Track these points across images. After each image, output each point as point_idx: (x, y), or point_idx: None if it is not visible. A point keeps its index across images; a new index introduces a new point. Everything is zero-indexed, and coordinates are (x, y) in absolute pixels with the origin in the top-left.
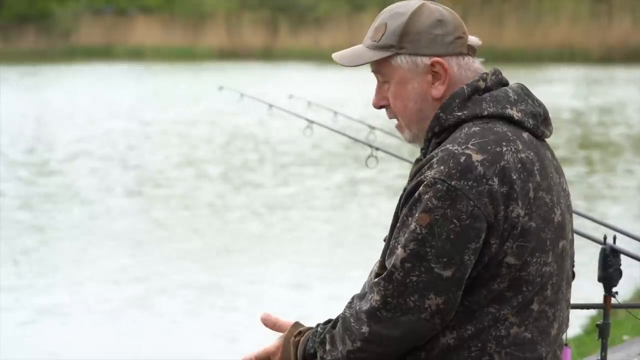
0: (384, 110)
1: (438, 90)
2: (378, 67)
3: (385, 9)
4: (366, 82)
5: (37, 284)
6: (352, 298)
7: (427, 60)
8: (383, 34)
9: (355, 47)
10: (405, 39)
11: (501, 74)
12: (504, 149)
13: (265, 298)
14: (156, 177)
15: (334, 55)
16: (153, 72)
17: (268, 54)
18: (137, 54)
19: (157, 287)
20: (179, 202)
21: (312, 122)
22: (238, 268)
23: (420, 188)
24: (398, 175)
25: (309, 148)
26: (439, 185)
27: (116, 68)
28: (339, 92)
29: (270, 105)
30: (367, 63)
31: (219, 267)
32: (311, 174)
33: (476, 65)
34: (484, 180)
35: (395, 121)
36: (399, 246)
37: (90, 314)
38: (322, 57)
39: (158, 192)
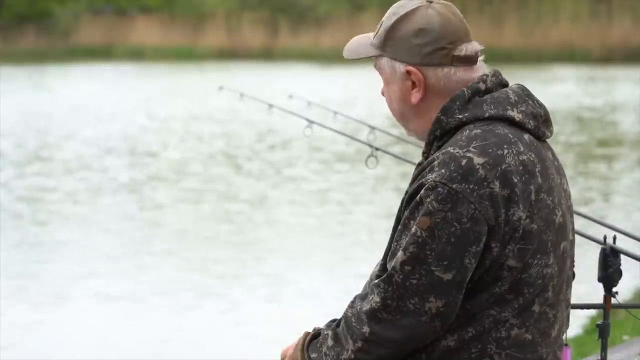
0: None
1: (415, 97)
2: (375, 61)
3: (394, 4)
4: (366, 82)
5: (98, 273)
6: (354, 298)
7: (402, 68)
8: (377, 32)
9: (365, 36)
10: (387, 43)
11: (501, 75)
12: (505, 151)
13: (331, 290)
14: (192, 172)
15: (344, 50)
16: (153, 72)
17: (268, 54)
18: (137, 54)
19: (223, 275)
20: (219, 196)
21: (312, 122)
22: (296, 259)
23: (422, 191)
24: None
25: (344, 144)
26: (440, 189)
27: (116, 68)
28: (339, 92)
29: (270, 105)
30: (359, 58)
31: (277, 258)
32: (341, 169)
33: (462, 75)
34: (485, 184)
35: None
36: (399, 249)
37: (162, 302)
38: (322, 57)
39: (197, 186)
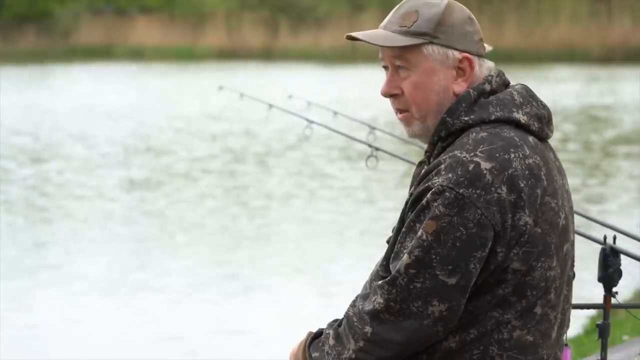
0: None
1: (460, 86)
2: (403, 53)
3: (410, 2)
4: (366, 82)
5: (138, 267)
6: (356, 297)
7: (458, 55)
8: (415, 21)
9: (377, 30)
10: (440, 29)
11: (504, 75)
12: (512, 155)
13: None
14: (211, 170)
15: (359, 34)
16: (153, 72)
17: (268, 54)
18: (137, 54)
19: (268, 270)
20: (245, 193)
21: (311, 122)
22: (337, 254)
23: (429, 195)
24: None
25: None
26: (447, 193)
27: (116, 68)
28: (339, 92)
29: (270, 105)
30: (401, 46)
31: (317, 253)
32: (361, 166)
33: (486, 70)
34: (493, 189)
35: (399, 113)
36: (404, 251)
37: (210, 295)
38: (322, 57)
39: (219, 183)
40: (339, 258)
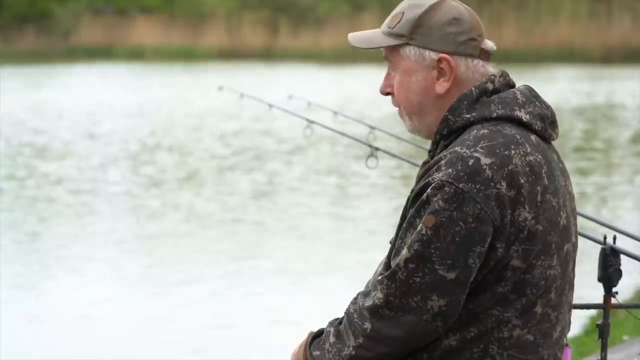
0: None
1: (442, 86)
2: (388, 54)
3: (405, 1)
4: (365, 82)
5: (183, 260)
6: (357, 295)
7: (434, 56)
8: (398, 22)
9: (373, 30)
10: (417, 31)
11: (508, 75)
12: (513, 152)
13: None
14: (233, 166)
15: (349, 35)
16: (153, 72)
17: (268, 54)
18: (137, 54)
19: (316, 270)
20: (267, 191)
21: (311, 122)
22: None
23: (428, 190)
24: None
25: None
26: (446, 188)
27: (116, 68)
28: (339, 92)
29: (270, 105)
30: (377, 48)
31: (351, 246)
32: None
33: (485, 69)
34: (492, 184)
35: (398, 108)
36: (404, 246)
37: (260, 288)
38: (322, 57)
39: (244, 179)
40: (374, 253)
